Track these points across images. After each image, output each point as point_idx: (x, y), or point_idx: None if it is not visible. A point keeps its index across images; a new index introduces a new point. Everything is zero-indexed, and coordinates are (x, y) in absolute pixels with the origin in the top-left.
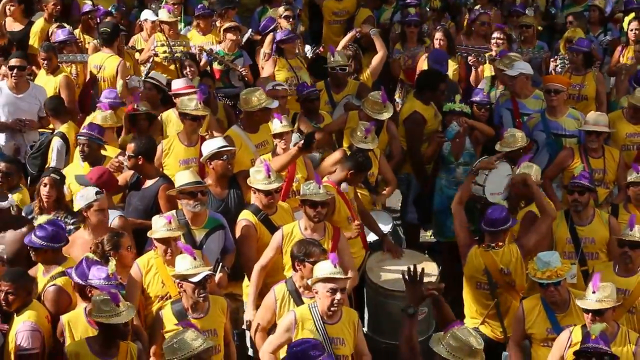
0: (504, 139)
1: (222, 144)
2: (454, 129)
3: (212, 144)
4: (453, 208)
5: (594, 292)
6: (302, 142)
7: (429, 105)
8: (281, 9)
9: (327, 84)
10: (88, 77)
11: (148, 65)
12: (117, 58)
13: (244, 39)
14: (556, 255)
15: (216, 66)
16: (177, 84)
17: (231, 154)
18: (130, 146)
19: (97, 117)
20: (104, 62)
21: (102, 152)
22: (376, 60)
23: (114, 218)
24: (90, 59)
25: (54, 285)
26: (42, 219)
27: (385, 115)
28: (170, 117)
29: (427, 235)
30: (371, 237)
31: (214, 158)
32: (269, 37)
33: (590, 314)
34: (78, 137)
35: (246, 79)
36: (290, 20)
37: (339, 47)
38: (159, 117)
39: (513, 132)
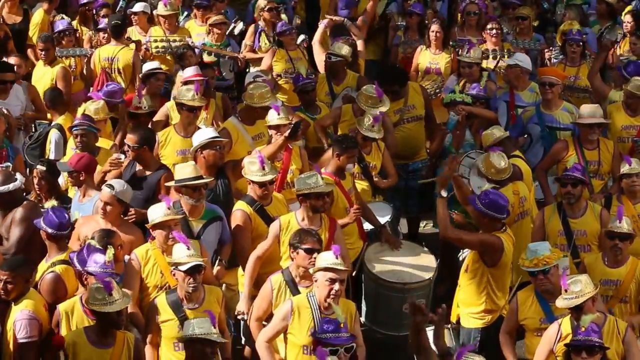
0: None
1: (214, 134)
2: (453, 119)
3: (204, 134)
4: (449, 236)
5: (565, 291)
6: (289, 131)
7: (394, 101)
8: (262, 2)
9: (328, 76)
10: (98, 70)
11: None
12: (130, 50)
13: (237, 32)
14: (545, 244)
15: (206, 58)
16: (188, 72)
17: (223, 145)
18: (133, 137)
19: (89, 108)
20: (116, 54)
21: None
22: (360, 49)
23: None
24: (99, 51)
25: (52, 272)
26: (49, 204)
27: (382, 109)
28: (175, 106)
29: (421, 227)
30: (369, 225)
31: (207, 147)
32: (250, 29)
33: (572, 313)
34: (74, 130)
35: (239, 64)
36: (274, 11)
37: (316, 41)
38: (165, 105)
39: (491, 130)
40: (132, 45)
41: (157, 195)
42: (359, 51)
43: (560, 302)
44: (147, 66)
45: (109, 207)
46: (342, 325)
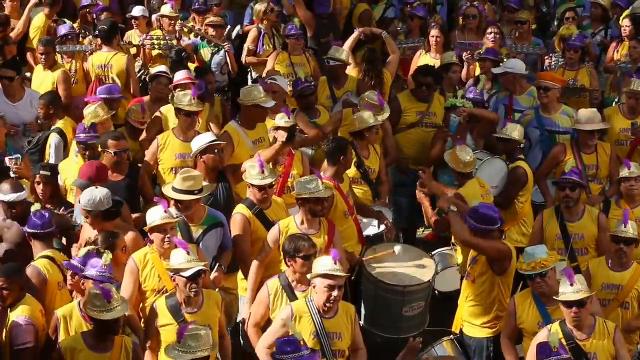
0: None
1: (213, 139)
2: (455, 121)
3: (203, 139)
4: (469, 242)
5: (572, 285)
6: (286, 136)
7: (419, 102)
8: (260, 7)
9: (330, 80)
10: (93, 77)
11: (140, 62)
12: (124, 55)
13: (234, 35)
14: (542, 247)
15: (204, 54)
16: (179, 76)
17: (221, 148)
18: (119, 142)
19: (89, 111)
20: (109, 61)
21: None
22: (391, 61)
23: None
24: (92, 59)
25: (30, 266)
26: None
27: (381, 118)
28: (170, 112)
29: (420, 232)
30: (369, 231)
31: (206, 152)
32: (254, 32)
33: (574, 307)
34: (79, 144)
35: (230, 66)
36: (275, 11)
37: (346, 46)
38: (158, 111)
39: (511, 128)
40: (133, 50)
41: (138, 194)
42: (389, 63)
43: (566, 297)
44: (155, 70)
45: (87, 220)
46: (302, 344)
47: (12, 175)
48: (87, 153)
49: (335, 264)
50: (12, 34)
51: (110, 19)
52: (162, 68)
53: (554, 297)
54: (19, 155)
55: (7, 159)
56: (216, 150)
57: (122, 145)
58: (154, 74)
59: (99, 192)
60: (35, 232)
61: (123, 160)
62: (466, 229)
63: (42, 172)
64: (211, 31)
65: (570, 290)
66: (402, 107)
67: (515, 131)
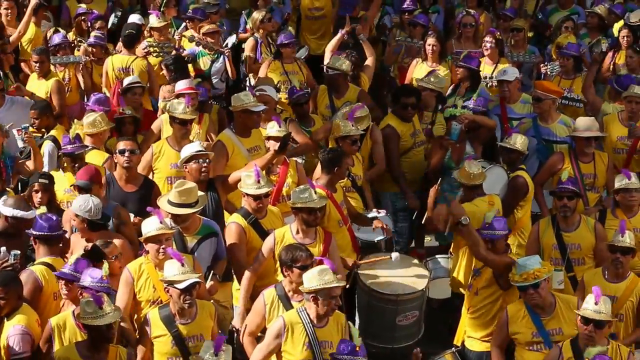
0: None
1: (198, 148)
2: (456, 128)
3: (190, 148)
4: (483, 256)
5: (596, 303)
6: (278, 145)
7: (406, 122)
8: (257, 15)
9: (330, 88)
10: (112, 79)
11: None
12: (144, 60)
13: (229, 44)
14: (535, 258)
15: (203, 63)
16: (181, 85)
17: (206, 158)
18: (131, 142)
19: (86, 121)
20: (129, 65)
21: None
22: (369, 64)
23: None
24: (112, 61)
25: (27, 270)
26: (38, 211)
27: (361, 128)
28: (168, 119)
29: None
30: (375, 236)
31: (189, 161)
32: (251, 41)
33: (590, 324)
34: (66, 155)
35: (229, 72)
36: (273, 21)
37: (328, 50)
38: (159, 118)
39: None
40: (143, 60)
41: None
42: (367, 66)
43: (585, 313)
44: (126, 81)
45: (73, 222)
46: (358, 349)
47: (20, 145)
48: (76, 164)
49: (334, 273)
50: (12, 37)
51: (135, 23)
52: (135, 78)
53: (575, 311)
54: (27, 125)
55: (14, 130)
56: (200, 160)
57: (131, 145)
58: (127, 85)
59: (92, 201)
60: (42, 234)
61: (133, 162)
62: (481, 243)
63: (40, 180)
64: (209, 39)
65: (593, 308)
66: (398, 132)
67: (519, 141)
